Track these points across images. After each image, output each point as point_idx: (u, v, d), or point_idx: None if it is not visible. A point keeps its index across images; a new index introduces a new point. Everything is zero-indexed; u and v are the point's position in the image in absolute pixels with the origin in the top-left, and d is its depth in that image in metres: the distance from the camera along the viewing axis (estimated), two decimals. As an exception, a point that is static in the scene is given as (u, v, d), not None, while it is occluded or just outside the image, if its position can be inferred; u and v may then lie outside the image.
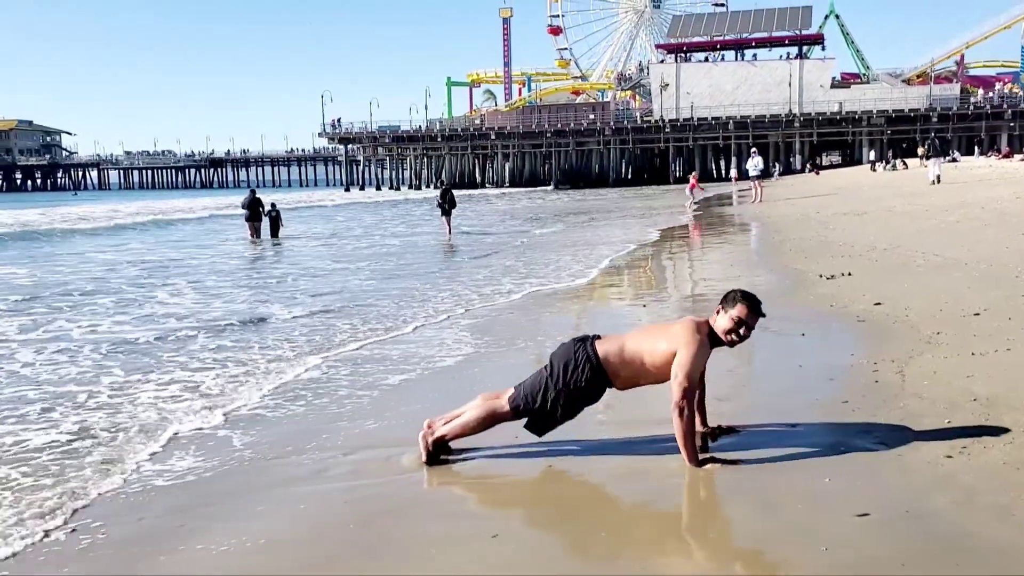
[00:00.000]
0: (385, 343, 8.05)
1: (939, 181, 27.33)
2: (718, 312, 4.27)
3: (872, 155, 55.38)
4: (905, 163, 45.38)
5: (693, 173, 34.64)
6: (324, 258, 17.94)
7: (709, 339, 4.24)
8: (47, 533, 3.79)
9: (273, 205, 25.17)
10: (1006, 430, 4.30)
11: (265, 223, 24.61)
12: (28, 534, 3.77)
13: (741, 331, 4.22)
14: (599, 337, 4.43)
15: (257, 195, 24.84)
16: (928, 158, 32.20)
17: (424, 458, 4.42)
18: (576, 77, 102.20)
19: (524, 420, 4.44)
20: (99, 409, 5.94)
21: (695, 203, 29.95)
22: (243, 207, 24.76)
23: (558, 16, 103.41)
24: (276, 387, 6.42)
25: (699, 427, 4.45)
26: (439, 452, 4.46)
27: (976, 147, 52.67)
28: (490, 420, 4.47)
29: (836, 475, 3.90)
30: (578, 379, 4.30)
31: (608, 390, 4.43)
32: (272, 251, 20.61)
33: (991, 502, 3.51)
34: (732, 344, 4.27)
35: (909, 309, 7.63)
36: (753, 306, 4.25)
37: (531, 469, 4.31)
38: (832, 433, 4.49)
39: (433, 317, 9.46)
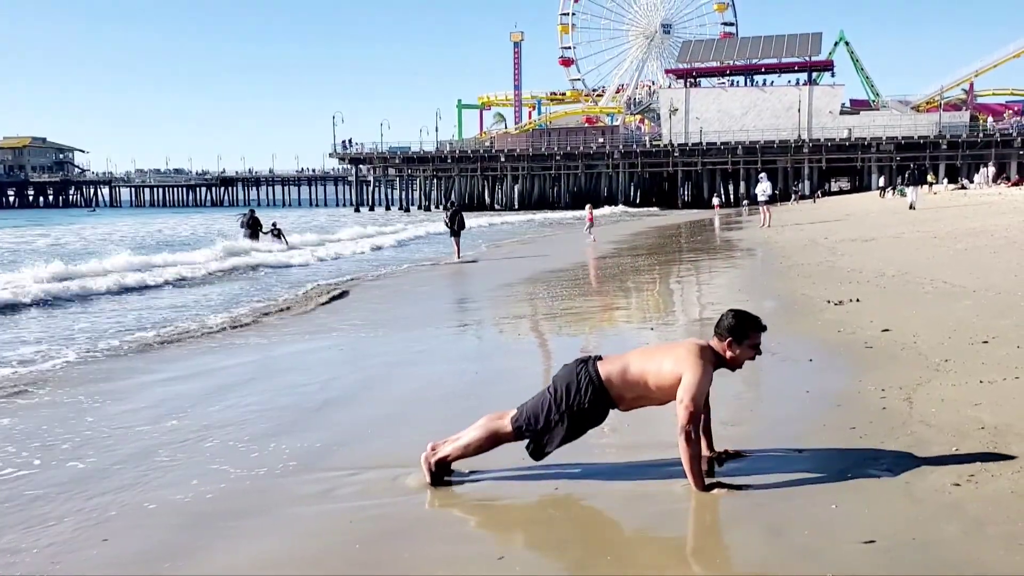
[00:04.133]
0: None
1: (914, 208, 29.94)
2: (728, 343, 4.25)
3: (882, 181, 55.56)
4: (916, 191, 45.33)
5: (588, 205, 30.84)
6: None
7: (713, 363, 4.25)
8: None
9: (274, 224, 26.39)
10: (1014, 459, 4.28)
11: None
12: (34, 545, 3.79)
13: (758, 354, 4.34)
14: (600, 358, 4.42)
15: (256, 214, 25.98)
16: (908, 186, 35.49)
17: (427, 479, 4.43)
18: (588, 102, 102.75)
19: (526, 442, 4.44)
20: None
21: (592, 238, 27.61)
22: (243, 226, 25.87)
23: (569, 48, 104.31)
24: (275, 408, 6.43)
25: (705, 451, 4.45)
26: (442, 473, 4.46)
27: (985, 170, 53.20)
28: (492, 440, 4.46)
29: (843, 501, 3.89)
30: (581, 401, 4.29)
31: (612, 412, 4.42)
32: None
33: (999, 531, 3.49)
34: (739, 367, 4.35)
35: (917, 336, 7.61)
36: (760, 327, 4.31)
37: (536, 491, 4.31)
38: (839, 459, 4.48)
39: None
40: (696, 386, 4.11)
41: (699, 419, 4.16)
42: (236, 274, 19.81)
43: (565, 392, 4.32)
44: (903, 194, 45.11)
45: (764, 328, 4.34)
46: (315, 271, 20.80)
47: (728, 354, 4.27)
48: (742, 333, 4.25)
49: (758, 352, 4.34)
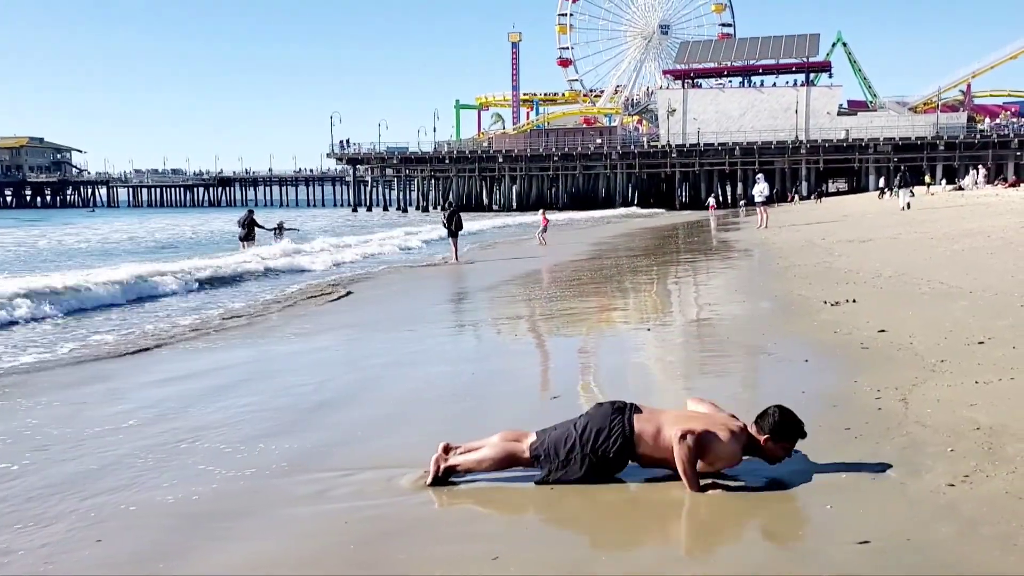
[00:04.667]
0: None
1: (909, 207, 31.18)
2: (765, 439, 4.25)
3: (881, 182, 55.61)
4: (912, 191, 45.44)
5: (542, 210, 30.94)
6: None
7: (745, 445, 4.25)
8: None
9: (281, 223, 28.05)
10: (1009, 459, 4.28)
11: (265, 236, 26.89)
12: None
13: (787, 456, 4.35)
14: (639, 410, 4.37)
15: (254, 215, 26.76)
16: (900, 188, 36.72)
17: (429, 480, 4.42)
18: (586, 103, 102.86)
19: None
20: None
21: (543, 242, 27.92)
22: (240, 225, 26.10)
23: (567, 48, 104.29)
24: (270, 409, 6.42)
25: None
26: (445, 478, 4.45)
27: (975, 172, 53.14)
28: (508, 462, 4.44)
29: (838, 502, 3.89)
30: (607, 449, 4.27)
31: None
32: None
33: (993, 532, 3.49)
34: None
35: (913, 337, 7.62)
36: (801, 434, 4.31)
37: (532, 492, 4.30)
38: (834, 460, 4.47)
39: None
40: (715, 446, 4.12)
41: (694, 449, 4.13)
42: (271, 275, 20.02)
43: (594, 436, 4.28)
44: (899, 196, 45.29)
45: (804, 435, 4.31)
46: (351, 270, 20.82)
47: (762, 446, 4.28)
48: (781, 435, 4.26)
49: (788, 455, 4.33)
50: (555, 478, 4.33)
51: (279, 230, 27.46)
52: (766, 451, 4.28)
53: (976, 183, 48.61)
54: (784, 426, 4.26)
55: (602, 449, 4.26)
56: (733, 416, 4.43)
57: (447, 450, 4.49)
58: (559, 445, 4.32)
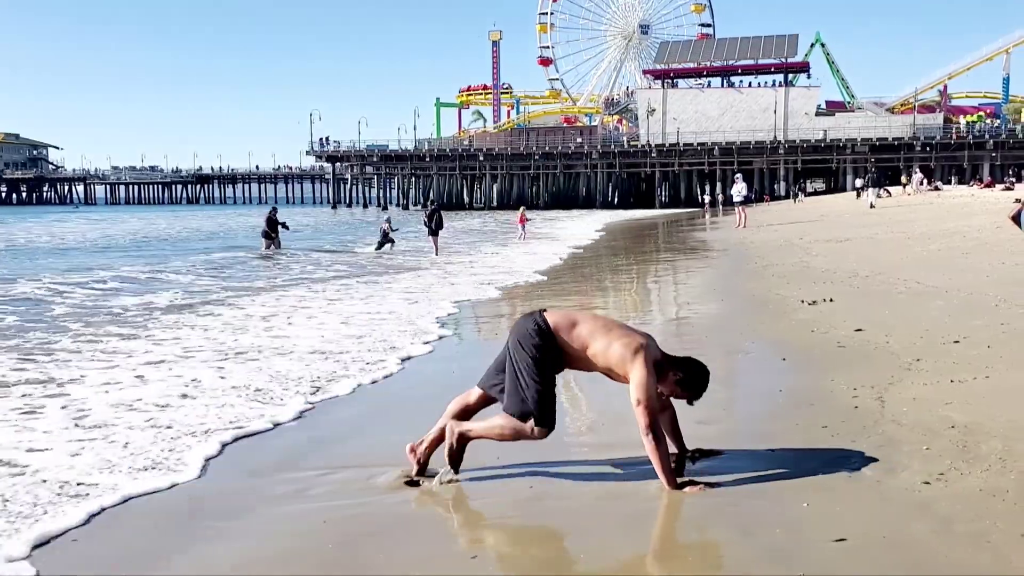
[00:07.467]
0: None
1: (873, 207, 32.54)
2: (678, 377, 4.26)
3: (859, 182, 55.90)
4: (888, 191, 45.86)
5: (522, 208, 31.80)
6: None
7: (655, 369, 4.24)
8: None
9: (389, 221, 26.32)
10: (983, 457, 4.33)
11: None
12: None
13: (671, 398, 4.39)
14: (546, 310, 4.45)
15: (276, 215, 26.78)
16: (867, 187, 37.64)
17: (414, 471, 4.47)
18: (567, 102, 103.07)
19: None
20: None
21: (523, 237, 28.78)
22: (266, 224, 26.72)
23: (548, 47, 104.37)
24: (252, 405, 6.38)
25: (677, 450, 4.46)
26: (461, 452, 4.44)
27: (916, 176, 53.25)
28: (464, 415, 4.51)
29: (814, 500, 3.92)
30: (534, 344, 4.27)
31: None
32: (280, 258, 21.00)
33: (967, 529, 3.53)
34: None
35: (889, 336, 7.69)
36: (699, 395, 4.34)
37: (511, 491, 4.30)
38: (811, 458, 4.51)
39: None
40: (645, 387, 4.11)
41: (657, 416, 4.16)
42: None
43: (519, 346, 4.29)
44: (879, 196, 45.53)
45: (700, 397, 4.34)
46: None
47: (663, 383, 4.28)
48: (690, 386, 4.29)
49: (688, 401, 4.36)
50: (541, 408, 4.25)
51: (385, 238, 25.85)
52: (669, 387, 4.28)
53: (920, 185, 48.62)
54: (698, 380, 4.28)
55: (531, 349, 4.26)
56: (643, 343, 4.29)
57: (412, 450, 4.53)
58: (516, 390, 4.27)
